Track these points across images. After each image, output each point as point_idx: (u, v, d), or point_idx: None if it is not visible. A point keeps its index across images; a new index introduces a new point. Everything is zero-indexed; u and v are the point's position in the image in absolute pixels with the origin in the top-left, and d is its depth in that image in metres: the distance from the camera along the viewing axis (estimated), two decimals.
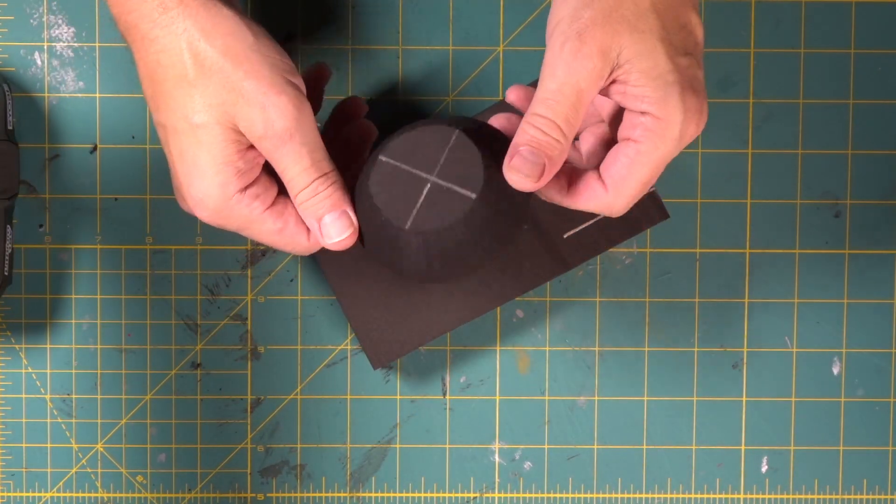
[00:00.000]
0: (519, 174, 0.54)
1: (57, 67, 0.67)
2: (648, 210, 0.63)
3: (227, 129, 0.54)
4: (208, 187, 0.55)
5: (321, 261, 0.65)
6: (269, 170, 0.57)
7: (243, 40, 0.54)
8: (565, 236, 0.64)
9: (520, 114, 0.57)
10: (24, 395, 0.68)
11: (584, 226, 0.64)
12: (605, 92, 0.55)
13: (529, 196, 0.56)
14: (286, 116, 0.54)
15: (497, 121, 0.58)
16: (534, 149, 0.53)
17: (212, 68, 0.54)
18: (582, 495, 0.69)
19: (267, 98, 0.54)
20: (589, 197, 0.56)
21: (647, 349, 0.69)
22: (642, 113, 0.54)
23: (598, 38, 0.53)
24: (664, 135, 0.54)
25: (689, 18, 0.54)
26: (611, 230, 0.64)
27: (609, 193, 0.55)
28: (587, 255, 0.64)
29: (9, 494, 0.69)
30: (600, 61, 0.53)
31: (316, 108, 0.62)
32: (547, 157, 0.53)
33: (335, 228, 0.57)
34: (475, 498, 0.69)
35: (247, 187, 0.55)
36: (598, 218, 0.64)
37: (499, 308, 0.68)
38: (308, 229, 0.57)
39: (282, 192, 0.57)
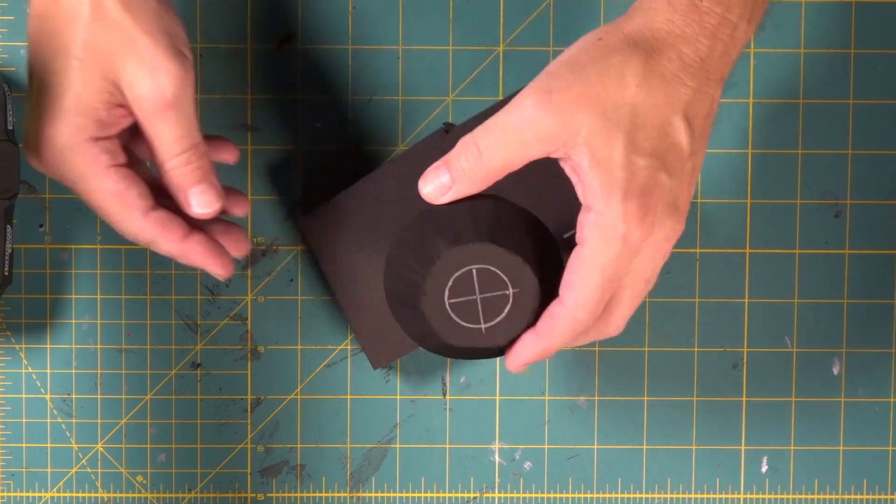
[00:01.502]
0: (427, 185, 0.54)
1: None
2: None
3: (105, 79, 0.53)
4: (62, 126, 0.53)
5: (321, 261, 0.65)
6: (121, 140, 0.56)
7: (146, 2, 0.53)
8: (565, 236, 0.64)
9: None
10: (24, 395, 0.68)
11: None
12: (564, 165, 0.53)
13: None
14: (174, 83, 0.53)
15: None
16: (445, 163, 0.54)
17: (109, 17, 0.53)
18: (582, 495, 0.69)
19: (159, 61, 0.53)
20: (553, 322, 0.54)
21: (647, 349, 0.69)
22: (587, 208, 0.52)
23: (565, 103, 0.51)
24: (606, 235, 0.52)
25: (672, 121, 0.52)
26: None
27: (566, 306, 0.53)
28: None
29: (9, 494, 0.69)
30: (557, 124, 0.51)
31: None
32: (456, 173, 0.54)
33: (204, 199, 0.56)
34: (475, 498, 0.69)
35: (99, 139, 0.54)
36: None
37: None
38: (144, 212, 0.55)
39: (129, 166, 0.56)
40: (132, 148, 0.58)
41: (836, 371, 0.69)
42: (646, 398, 0.69)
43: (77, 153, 0.54)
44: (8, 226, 0.65)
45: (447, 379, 0.69)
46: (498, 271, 0.55)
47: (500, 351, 0.57)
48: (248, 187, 0.68)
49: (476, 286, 0.55)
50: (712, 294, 0.69)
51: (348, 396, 0.69)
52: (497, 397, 0.69)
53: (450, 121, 0.68)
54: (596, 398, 0.69)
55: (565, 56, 0.53)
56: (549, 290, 0.55)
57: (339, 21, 0.68)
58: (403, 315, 0.56)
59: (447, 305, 0.55)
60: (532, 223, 0.56)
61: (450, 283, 0.55)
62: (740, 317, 0.69)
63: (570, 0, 0.68)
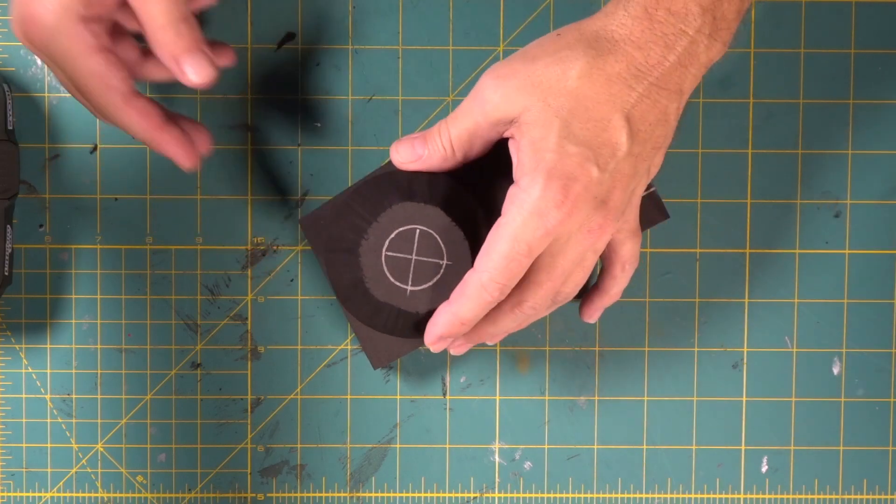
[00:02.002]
0: (395, 150, 0.60)
1: None
2: (648, 211, 0.63)
3: None
4: (49, 4, 0.54)
5: (322, 261, 0.65)
6: (108, 21, 0.56)
7: None
8: None
9: None
10: (24, 395, 0.68)
11: None
12: (511, 147, 0.56)
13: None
14: None
15: None
16: (421, 135, 0.59)
17: None
18: (582, 495, 0.69)
19: None
20: (463, 287, 0.56)
21: (647, 349, 0.69)
22: (515, 182, 0.55)
23: (513, 88, 0.55)
24: (522, 207, 0.54)
25: (611, 119, 0.54)
26: None
27: (475, 270, 0.56)
28: None
29: (9, 494, 0.69)
30: (504, 105, 0.55)
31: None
32: (429, 146, 0.59)
33: (198, 67, 0.56)
34: (475, 498, 0.69)
35: (87, 19, 0.54)
36: None
37: None
38: (125, 96, 0.56)
39: (113, 51, 0.56)
40: (123, 21, 0.59)
41: (836, 371, 0.69)
42: (646, 398, 0.69)
43: (63, 34, 0.54)
44: (8, 226, 0.65)
45: (447, 379, 0.69)
46: (439, 239, 0.58)
47: (415, 327, 0.60)
48: (248, 187, 0.68)
49: (415, 247, 0.59)
50: (712, 294, 0.69)
51: (348, 396, 0.69)
52: (497, 397, 0.69)
53: None
54: (596, 398, 0.69)
55: (526, 48, 0.57)
56: None
57: (339, 21, 0.68)
58: (339, 261, 0.60)
59: (383, 256, 0.58)
60: (484, 216, 0.59)
61: (392, 235, 0.58)
62: (740, 317, 0.69)
63: (570, 0, 0.68)
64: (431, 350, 0.59)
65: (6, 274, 0.65)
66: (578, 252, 0.56)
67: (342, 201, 0.61)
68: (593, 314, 0.65)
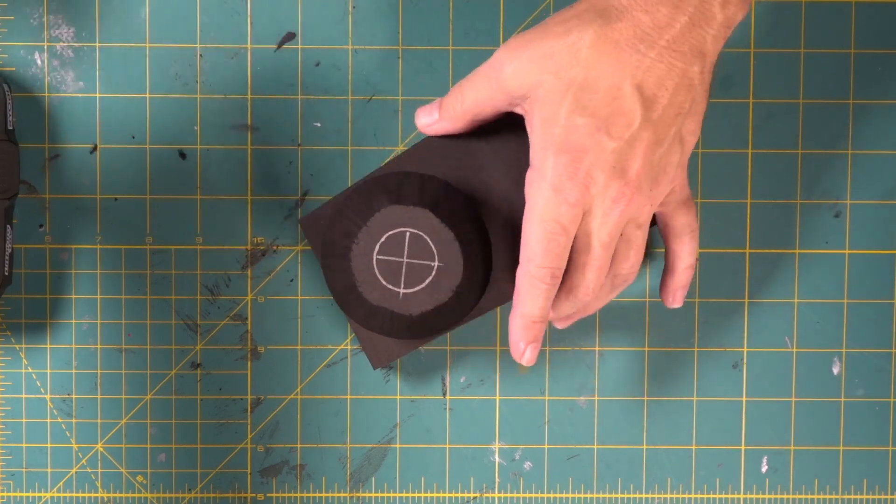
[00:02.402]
0: (421, 117, 0.61)
1: (57, 67, 0.67)
2: None
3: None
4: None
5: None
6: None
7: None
8: None
9: None
10: (24, 395, 0.68)
11: None
12: (527, 125, 0.56)
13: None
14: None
15: None
16: (438, 101, 0.60)
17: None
18: (582, 495, 0.69)
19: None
20: (517, 285, 0.57)
21: (647, 349, 0.69)
22: (531, 166, 0.56)
23: (525, 60, 0.55)
24: (540, 187, 0.55)
25: (621, 87, 0.53)
26: None
27: (521, 265, 0.56)
28: None
29: (9, 494, 0.69)
30: (516, 77, 0.55)
31: None
32: (443, 110, 0.60)
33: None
34: (475, 498, 0.69)
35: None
36: None
37: (498, 308, 0.68)
38: None
39: None
40: None
41: (836, 371, 0.69)
42: (646, 398, 0.69)
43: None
44: (8, 226, 0.65)
45: (447, 379, 0.69)
46: (429, 241, 0.59)
47: (409, 329, 0.60)
48: (248, 187, 0.68)
49: (406, 250, 0.59)
50: (712, 294, 0.69)
51: (348, 396, 0.69)
52: (497, 397, 0.69)
53: None
54: (596, 398, 0.69)
55: (543, 21, 0.56)
56: (472, 277, 0.59)
57: (339, 21, 0.68)
58: (333, 267, 0.60)
59: (374, 260, 0.59)
60: (475, 216, 0.60)
61: (382, 239, 0.59)
62: (740, 317, 0.69)
63: (570, 0, 0.68)
64: (529, 363, 0.59)
65: (6, 274, 0.65)
66: (612, 225, 0.55)
67: (338, 204, 0.62)
68: (670, 297, 0.63)
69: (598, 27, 0.53)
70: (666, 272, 0.63)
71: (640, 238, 0.57)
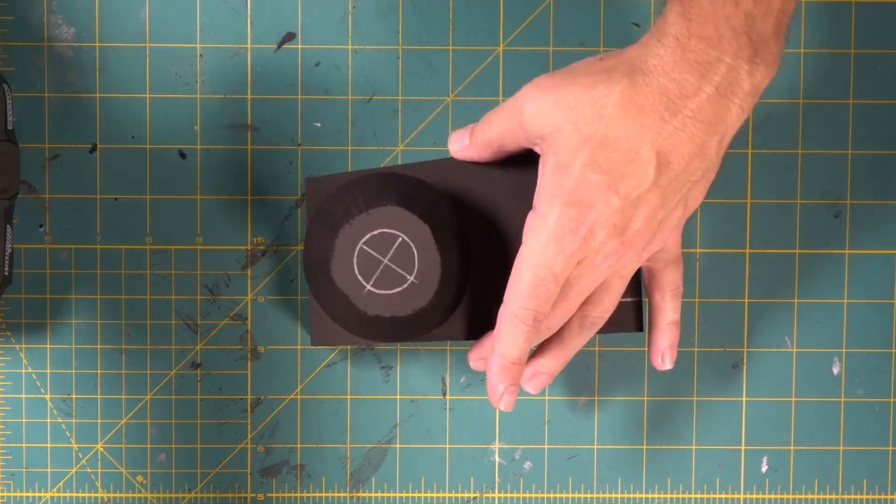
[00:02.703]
0: (453, 142, 0.61)
1: (57, 67, 0.67)
2: (626, 317, 0.63)
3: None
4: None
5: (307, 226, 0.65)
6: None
7: None
8: None
9: None
10: (24, 395, 0.68)
11: None
12: (540, 164, 0.57)
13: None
14: None
15: None
16: (470, 127, 0.61)
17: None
18: (582, 495, 0.69)
19: None
20: (499, 322, 0.57)
21: (647, 349, 0.69)
22: (534, 208, 0.56)
23: (549, 104, 0.55)
24: (539, 235, 0.54)
25: (640, 150, 0.53)
26: None
27: (505, 303, 0.57)
28: None
29: (9, 494, 0.69)
30: (538, 119, 0.55)
31: None
32: (472, 137, 0.60)
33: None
34: (475, 498, 0.69)
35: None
36: None
37: None
38: None
39: None
40: None
41: (836, 371, 0.69)
42: (646, 398, 0.69)
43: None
44: (8, 226, 0.65)
45: (447, 379, 0.69)
46: (416, 255, 0.59)
47: (359, 326, 0.60)
48: (248, 187, 0.68)
49: (391, 252, 0.59)
50: (712, 294, 0.69)
51: (348, 396, 0.69)
52: None
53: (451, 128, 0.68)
54: (596, 398, 0.69)
55: (572, 65, 0.56)
56: (437, 305, 0.59)
57: (339, 21, 0.68)
58: (317, 233, 0.60)
59: (358, 247, 0.59)
60: (467, 253, 0.60)
61: (375, 232, 0.59)
62: (740, 317, 0.69)
63: (570, 0, 0.68)
64: (507, 409, 0.59)
65: (6, 274, 0.65)
66: (595, 276, 0.56)
67: (351, 179, 0.61)
68: (658, 358, 0.64)
69: (624, 87, 0.53)
70: (651, 330, 0.64)
71: (618, 287, 0.58)
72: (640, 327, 0.63)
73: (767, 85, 0.53)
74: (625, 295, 0.62)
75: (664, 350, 0.64)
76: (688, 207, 0.56)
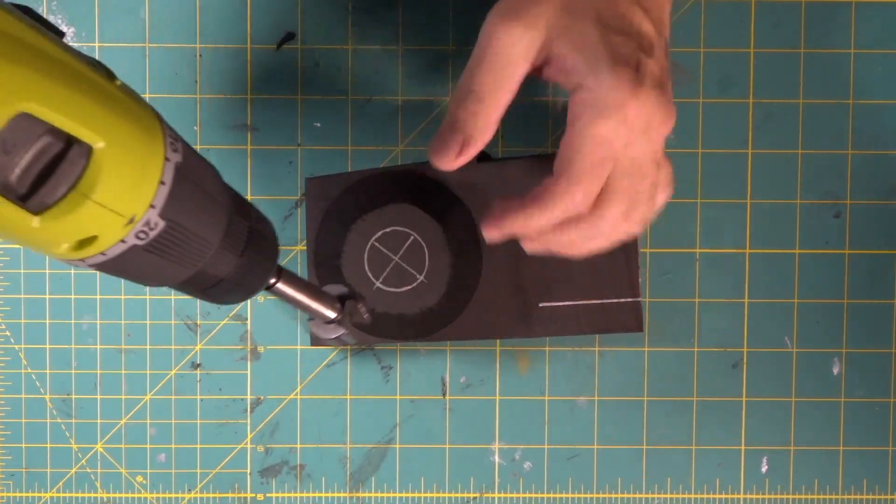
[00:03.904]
0: (436, 156, 0.53)
1: None
2: (626, 317, 0.63)
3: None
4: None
5: (309, 228, 0.64)
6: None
7: None
8: (541, 305, 0.64)
9: None
10: (23, 396, 0.68)
11: (560, 303, 0.64)
12: (543, 74, 0.53)
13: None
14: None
15: None
16: (448, 125, 0.53)
17: None
18: (582, 495, 0.69)
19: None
20: (542, 192, 0.52)
21: (647, 349, 0.69)
22: (578, 88, 0.52)
23: (531, 14, 0.52)
24: (598, 105, 0.51)
25: (630, 11, 0.52)
26: (582, 317, 0.63)
27: (557, 180, 0.52)
28: (553, 331, 0.64)
29: (9, 494, 0.68)
30: (531, 32, 0.51)
31: None
32: (464, 133, 0.53)
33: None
34: (475, 498, 0.69)
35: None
36: (577, 302, 0.64)
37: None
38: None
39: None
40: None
41: (836, 371, 0.69)
42: (646, 398, 0.69)
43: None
44: None
45: (447, 379, 0.69)
46: (427, 255, 0.59)
47: (366, 324, 0.59)
48: (247, 187, 0.68)
49: (403, 250, 0.59)
50: (712, 294, 0.69)
51: (348, 396, 0.69)
52: (497, 397, 0.69)
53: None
54: (596, 398, 0.69)
55: None
56: (445, 304, 0.60)
57: (339, 21, 0.68)
58: (329, 228, 0.60)
59: (370, 243, 0.59)
60: (479, 255, 0.60)
61: (388, 229, 0.59)
62: (740, 317, 0.69)
63: None
64: (486, 238, 0.54)
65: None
66: (651, 150, 0.53)
67: (366, 175, 0.61)
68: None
69: None
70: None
71: (655, 174, 0.54)
72: (640, 327, 0.63)
73: None
74: (625, 295, 0.62)
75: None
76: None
